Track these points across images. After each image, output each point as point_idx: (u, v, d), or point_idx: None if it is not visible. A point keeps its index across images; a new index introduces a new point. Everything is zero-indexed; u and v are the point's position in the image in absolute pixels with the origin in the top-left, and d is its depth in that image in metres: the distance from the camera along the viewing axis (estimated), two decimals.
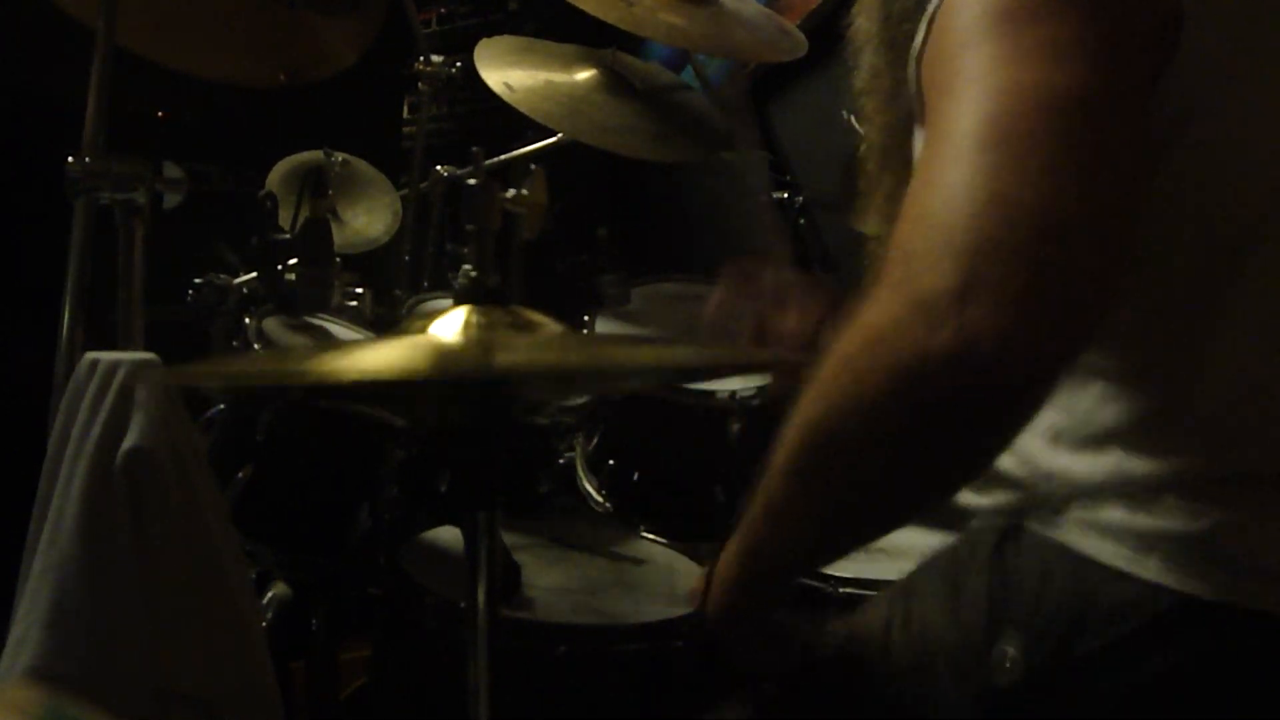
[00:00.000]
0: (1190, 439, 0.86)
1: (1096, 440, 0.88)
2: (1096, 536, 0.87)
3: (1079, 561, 0.87)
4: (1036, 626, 0.88)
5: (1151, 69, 0.82)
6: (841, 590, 1.46)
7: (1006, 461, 0.92)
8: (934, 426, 0.75)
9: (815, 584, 1.49)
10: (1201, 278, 0.87)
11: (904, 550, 1.63)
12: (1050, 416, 0.89)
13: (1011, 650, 0.89)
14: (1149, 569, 0.84)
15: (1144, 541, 0.85)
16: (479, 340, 0.83)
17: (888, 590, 1.08)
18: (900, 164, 1.03)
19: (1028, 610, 0.89)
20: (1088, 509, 0.88)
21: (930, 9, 0.90)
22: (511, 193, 0.95)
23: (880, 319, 0.75)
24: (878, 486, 0.81)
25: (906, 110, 0.99)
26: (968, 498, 1.00)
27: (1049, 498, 0.91)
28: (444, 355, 0.80)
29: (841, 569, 1.52)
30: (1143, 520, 0.85)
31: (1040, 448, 0.90)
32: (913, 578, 1.05)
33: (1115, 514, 0.87)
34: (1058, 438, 0.90)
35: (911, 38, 0.93)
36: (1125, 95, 0.79)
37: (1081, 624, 0.86)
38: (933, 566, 1.02)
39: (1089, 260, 0.72)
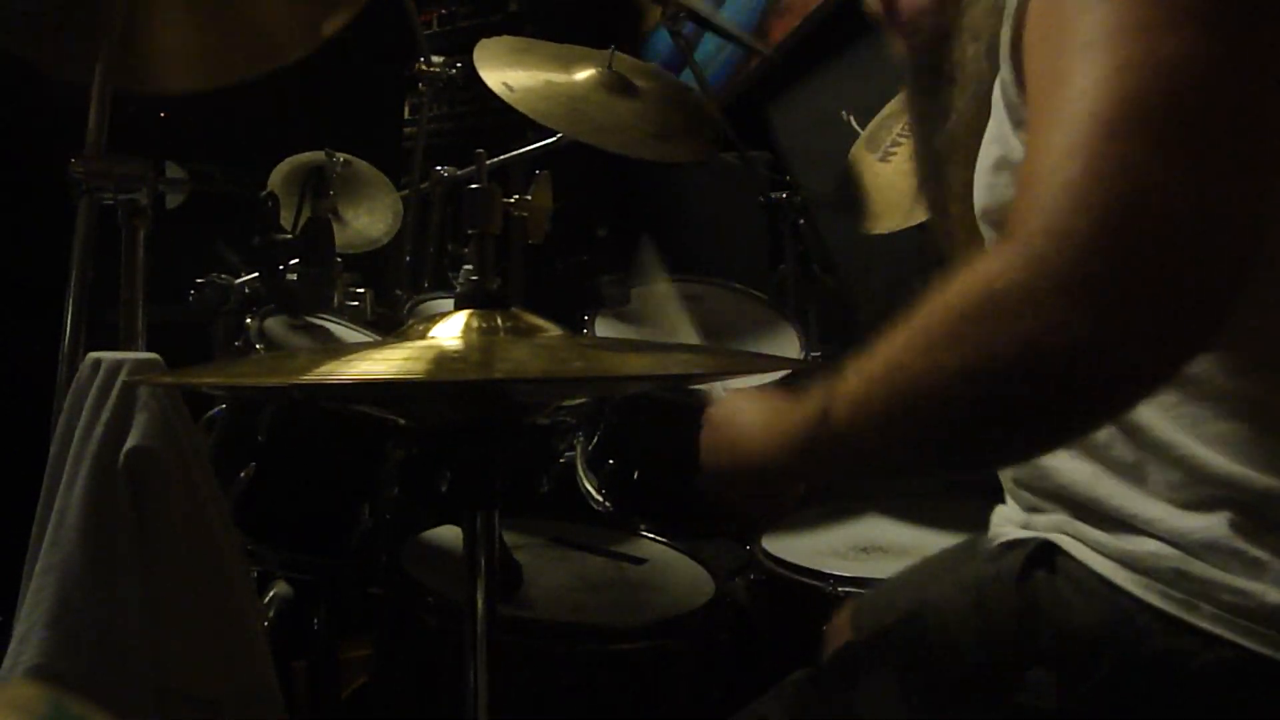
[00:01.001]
0: (1252, 489, 0.82)
1: (1142, 469, 0.86)
2: (1142, 578, 0.84)
3: (1118, 593, 0.85)
4: (1076, 660, 0.86)
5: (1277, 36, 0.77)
6: (841, 590, 1.47)
7: (1050, 481, 0.91)
8: (1049, 406, 0.73)
9: (815, 584, 1.50)
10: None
11: (904, 550, 1.64)
12: (1120, 449, 0.87)
13: (1047, 682, 0.86)
14: (1201, 619, 0.82)
15: (1194, 589, 0.82)
16: (480, 349, 0.83)
17: (894, 595, 1.06)
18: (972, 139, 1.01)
19: (1063, 639, 0.87)
20: (1125, 539, 0.86)
21: None
22: (515, 197, 0.95)
23: (1011, 288, 0.71)
24: (964, 444, 0.79)
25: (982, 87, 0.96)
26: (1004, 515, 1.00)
27: (1090, 520, 0.89)
28: (446, 365, 0.80)
29: (841, 568, 1.52)
30: (1195, 566, 0.82)
31: (1090, 475, 0.89)
32: (926, 589, 1.02)
33: (1160, 552, 0.84)
34: (1117, 468, 0.88)
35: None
36: (1256, 63, 0.75)
37: (1126, 668, 0.84)
38: (951, 583, 0.99)
39: (1238, 255, 0.71)
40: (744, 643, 1.54)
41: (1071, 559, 0.89)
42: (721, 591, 1.53)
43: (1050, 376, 0.71)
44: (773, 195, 2.11)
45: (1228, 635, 0.80)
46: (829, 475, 0.96)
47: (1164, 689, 0.82)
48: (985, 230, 0.98)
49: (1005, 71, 0.90)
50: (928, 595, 1.00)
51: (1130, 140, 0.71)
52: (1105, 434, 0.87)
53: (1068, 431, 0.79)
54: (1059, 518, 0.92)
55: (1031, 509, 0.96)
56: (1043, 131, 0.77)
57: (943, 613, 0.97)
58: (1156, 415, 0.85)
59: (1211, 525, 0.82)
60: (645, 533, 1.72)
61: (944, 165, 1.12)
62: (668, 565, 1.63)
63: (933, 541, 1.63)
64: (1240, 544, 0.82)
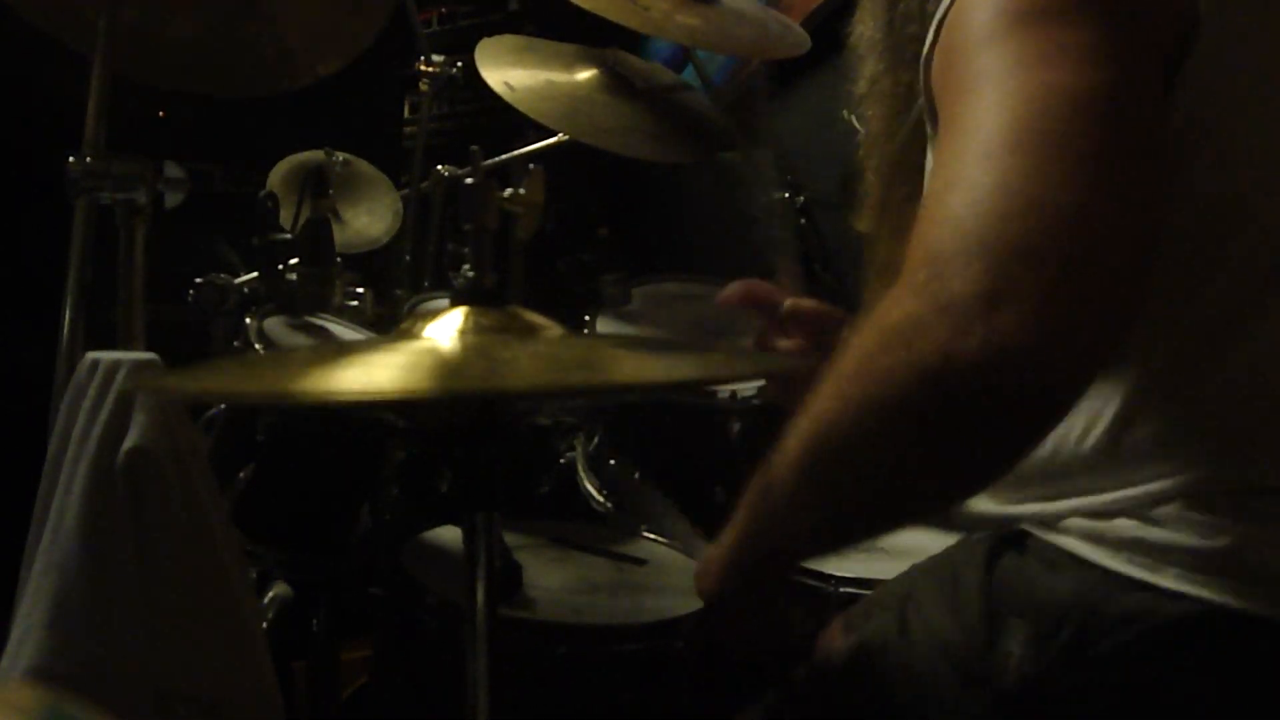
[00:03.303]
0: (1205, 453, 0.86)
1: (1105, 452, 0.88)
2: (1105, 548, 0.86)
3: (1086, 567, 0.87)
4: (1043, 626, 0.87)
5: (1166, 72, 0.81)
6: (842, 590, 1.47)
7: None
8: (955, 430, 0.73)
9: (815, 584, 1.49)
10: (1223, 293, 0.86)
11: (905, 550, 1.64)
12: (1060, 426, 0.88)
13: (1016, 650, 0.88)
14: (1165, 579, 0.84)
15: (1157, 554, 0.84)
16: (478, 351, 0.82)
17: (883, 593, 1.08)
18: (908, 172, 1.02)
19: (1031, 608, 0.89)
20: (1091, 519, 0.88)
21: (940, 12, 0.89)
22: (509, 192, 0.95)
23: (902, 320, 0.73)
24: (889, 487, 0.79)
25: (915, 117, 0.98)
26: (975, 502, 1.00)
27: (1048, 505, 0.90)
28: (445, 372, 0.80)
29: (841, 568, 1.52)
30: (1155, 534, 0.85)
31: (1044, 455, 0.89)
32: (910, 582, 1.04)
33: (1123, 525, 0.86)
34: (1064, 446, 0.89)
35: (916, 41, 0.92)
36: (1146, 96, 0.78)
37: (1092, 626, 0.85)
38: (929, 571, 1.02)
39: (1122, 265, 0.72)
40: None
41: (1040, 540, 0.91)
42: None
43: (946, 398, 0.71)
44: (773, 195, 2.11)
45: (1190, 590, 0.83)
46: (797, 551, 0.97)
47: (1128, 644, 0.84)
48: None
49: (929, 126, 0.92)
50: (911, 588, 1.02)
51: (1003, 162, 0.72)
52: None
53: (988, 450, 0.77)
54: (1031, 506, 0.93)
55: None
56: (934, 171, 0.80)
57: (922, 602, 0.99)
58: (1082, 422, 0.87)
59: (1166, 510, 0.85)
60: (645, 533, 1.71)
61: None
62: (668, 565, 1.62)
63: (933, 542, 1.63)
64: (1193, 513, 0.84)
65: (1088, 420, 0.88)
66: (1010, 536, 0.93)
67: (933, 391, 0.72)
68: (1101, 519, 0.87)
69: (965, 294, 0.70)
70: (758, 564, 0.95)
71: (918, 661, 0.96)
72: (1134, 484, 0.86)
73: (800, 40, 1.96)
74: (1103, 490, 0.88)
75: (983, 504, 0.98)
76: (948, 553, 1.01)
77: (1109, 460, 0.87)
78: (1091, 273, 0.70)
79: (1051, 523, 0.90)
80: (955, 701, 0.92)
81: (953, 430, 0.73)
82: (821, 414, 0.80)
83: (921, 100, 0.93)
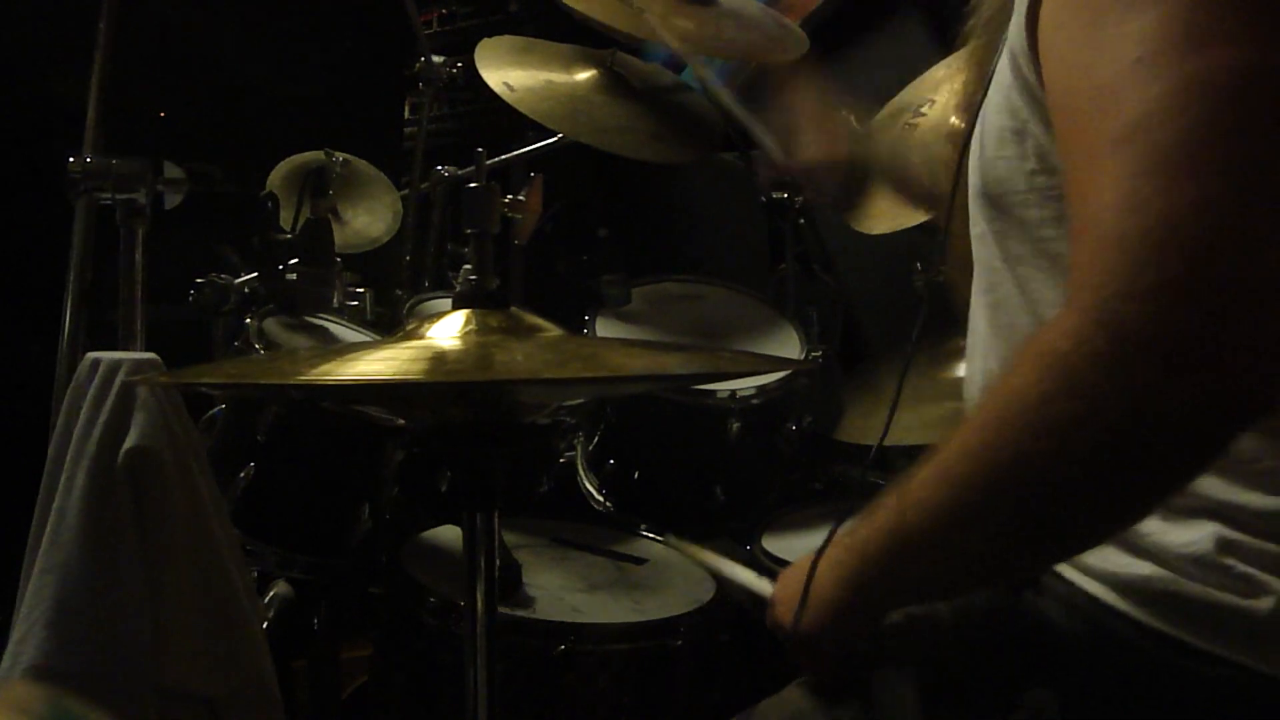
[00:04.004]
0: (1253, 491, 0.79)
1: None
2: (1134, 599, 0.81)
3: (1110, 615, 0.82)
4: (1074, 680, 0.83)
5: None
6: None
7: None
8: (1155, 470, 0.69)
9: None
10: None
11: None
12: None
13: (1047, 696, 0.84)
14: (1201, 639, 0.78)
15: (1193, 610, 0.79)
16: (478, 350, 0.83)
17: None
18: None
19: (1061, 660, 0.84)
20: (1120, 562, 0.82)
21: None
22: (509, 198, 0.96)
23: (1096, 360, 0.66)
24: (1075, 528, 0.74)
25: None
26: None
27: None
28: (443, 367, 0.80)
29: None
30: (1191, 589, 0.79)
31: None
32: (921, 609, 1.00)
33: (1155, 575, 0.81)
34: None
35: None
36: None
37: (1120, 687, 0.81)
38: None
39: None
40: (744, 643, 1.54)
41: (1058, 578, 0.86)
42: (721, 592, 1.53)
43: (1152, 443, 0.66)
44: (773, 195, 2.11)
45: (1227, 654, 0.78)
46: (910, 592, 0.90)
47: (1164, 707, 0.80)
48: (980, 209, 0.92)
49: (1018, 41, 0.83)
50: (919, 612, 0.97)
51: (1202, 177, 0.65)
52: None
53: (1175, 487, 0.73)
54: None
55: None
56: (1095, 163, 0.70)
57: (934, 631, 0.95)
58: None
59: (1198, 540, 0.80)
60: (645, 533, 1.72)
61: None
62: (668, 565, 1.62)
63: None
64: (1229, 560, 0.79)
65: None
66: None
67: (1136, 437, 0.66)
68: (1124, 559, 0.82)
69: (1172, 334, 0.64)
70: (871, 605, 0.90)
71: (936, 702, 0.92)
72: (1164, 519, 0.81)
73: (799, 42, 1.96)
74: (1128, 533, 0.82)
75: None
76: None
77: None
78: None
79: (1069, 561, 0.85)
80: None
81: (1152, 471, 0.69)
82: (987, 464, 0.73)
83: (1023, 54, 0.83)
